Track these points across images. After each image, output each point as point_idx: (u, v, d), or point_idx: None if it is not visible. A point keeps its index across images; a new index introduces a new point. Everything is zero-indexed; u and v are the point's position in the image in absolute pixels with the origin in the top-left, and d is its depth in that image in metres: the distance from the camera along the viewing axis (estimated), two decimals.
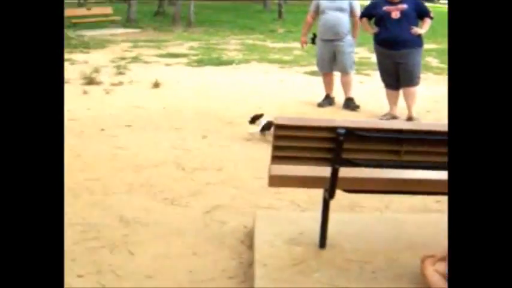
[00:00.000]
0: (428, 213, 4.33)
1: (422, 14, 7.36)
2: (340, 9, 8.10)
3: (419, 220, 3.98)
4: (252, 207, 4.39)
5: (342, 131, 2.94)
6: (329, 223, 3.44)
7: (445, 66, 12.90)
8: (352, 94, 8.43)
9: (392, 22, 7.19)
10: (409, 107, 7.55)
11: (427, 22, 7.42)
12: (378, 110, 8.07)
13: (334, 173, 3.09)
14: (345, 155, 3.05)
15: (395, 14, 7.16)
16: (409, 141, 3.03)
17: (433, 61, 13.58)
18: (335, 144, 2.99)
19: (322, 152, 3.08)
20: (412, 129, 3.01)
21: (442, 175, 3.16)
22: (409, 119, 7.48)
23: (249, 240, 3.80)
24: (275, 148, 3.07)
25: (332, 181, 3.13)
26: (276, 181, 3.30)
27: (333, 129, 2.97)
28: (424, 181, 3.26)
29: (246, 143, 6.35)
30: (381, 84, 7.99)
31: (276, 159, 3.12)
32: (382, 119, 7.51)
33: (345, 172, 3.14)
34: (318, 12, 8.34)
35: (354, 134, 2.97)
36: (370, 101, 8.68)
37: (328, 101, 8.44)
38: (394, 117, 7.58)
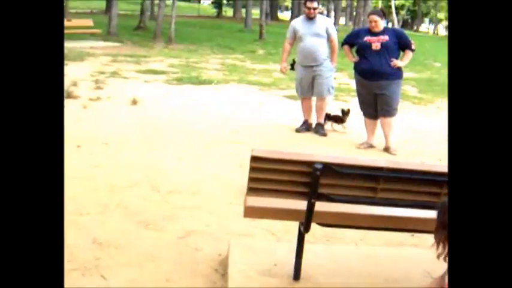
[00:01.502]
0: (404, 247, 4.36)
1: (404, 46, 7.44)
2: (317, 35, 8.16)
3: (394, 254, 4.00)
4: (226, 234, 4.39)
5: (319, 165, 2.96)
6: (304, 254, 3.44)
7: (423, 95, 13.04)
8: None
9: (373, 53, 7.26)
10: (386, 137, 7.61)
11: (408, 55, 7.50)
12: (354, 138, 8.13)
13: (310, 207, 3.10)
14: (321, 190, 3.06)
15: (376, 46, 7.24)
16: (386, 179, 3.05)
17: (411, 90, 13.70)
18: (312, 179, 3.01)
19: (299, 186, 3.09)
20: (390, 167, 3.04)
21: (418, 213, 3.20)
22: (387, 149, 7.53)
23: (222, 268, 3.79)
24: (251, 180, 3.08)
25: (308, 215, 3.14)
26: (251, 212, 3.30)
27: (310, 163, 2.99)
28: (399, 218, 3.29)
29: (222, 166, 6.34)
30: (359, 112, 8.05)
31: (251, 190, 3.12)
32: (359, 148, 7.58)
33: (320, 206, 3.16)
34: (295, 38, 8.40)
35: (331, 169, 2.99)
36: (347, 129, 8.74)
37: (305, 126, 8.48)
38: (371, 146, 7.65)
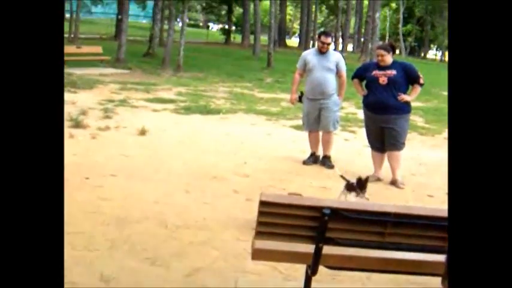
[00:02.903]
0: (410, 286, 4.35)
1: (412, 80, 7.48)
2: (327, 69, 8.22)
3: None
4: (234, 272, 4.40)
5: (327, 211, 2.98)
6: None
7: (431, 126, 13.06)
8: (336, 152, 8.53)
9: (380, 87, 7.31)
10: (393, 170, 7.62)
11: (417, 89, 7.55)
12: (361, 170, 8.12)
13: (318, 251, 3.12)
14: (328, 234, 3.08)
15: (383, 80, 7.28)
16: (393, 224, 3.07)
17: (418, 120, 13.73)
18: (320, 223, 3.03)
19: (307, 230, 3.11)
20: (398, 212, 3.06)
21: (425, 257, 3.21)
22: (394, 182, 7.54)
23: None
24: (259, 224, 3.10)
25: (315, 259, 3.15)
26: (259, 255, 3.32)
27: (318, 208, 3.01)
28: (406, 261, 3.30)
29: (229, 200, 6.36)
30: (365, 143, 8.07)
31: (259, 234, 3.15)
32: None
33: (328, 250, 3.17)
34: (305, 69, 8.46)
35: (339, 214, 3.01)
36: (355, 160, 8.75)
37: (313, 159, 8.50)
38: (378, 179, 7.66)
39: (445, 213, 3.14)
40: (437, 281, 2.54)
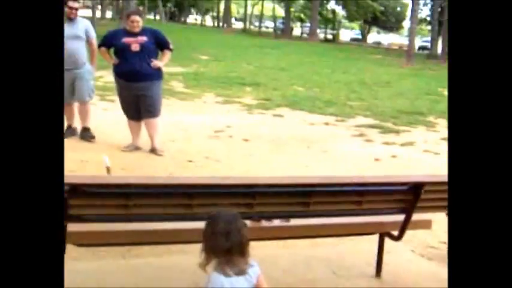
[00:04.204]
0: (171, 255, 4.32)
1: (162, 46, 7.49)
2: (77, 37, 7.87)
3: (162, 264, 3.97)
4: None
5: (67, 187, 2.86)
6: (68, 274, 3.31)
7: (190, 91, 13.27)
8: (95, 122, 8.32)
9: (132, 55, 7.19)
10: (151, 138, 7.60)
11: (167, 54, 7.58)
12: (121, 140, 8.00)
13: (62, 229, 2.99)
14: (72, 211, 2.96)
15: (135, 47, 7.19)
16: (137, 195, 3.03)
17: (178, 85, 13.87)
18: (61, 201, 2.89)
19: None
20: (139, 183, 3.02)
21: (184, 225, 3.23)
22: (153, 150, 7.54)
23: None
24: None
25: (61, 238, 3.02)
26: None
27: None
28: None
29: None
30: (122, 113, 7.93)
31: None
32: (125, 151, 7.49)
33: (74, 227, 3.06)
34: None
35: (79, 190, 2.90)
36: (114, 131, 8.59)
37: (70, 131, 8.18)
38: (137, 148, 7.61)
39: (208, 181, 3.18)
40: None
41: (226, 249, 2.52)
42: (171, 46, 7.55)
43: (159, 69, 7.41)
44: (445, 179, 3.74)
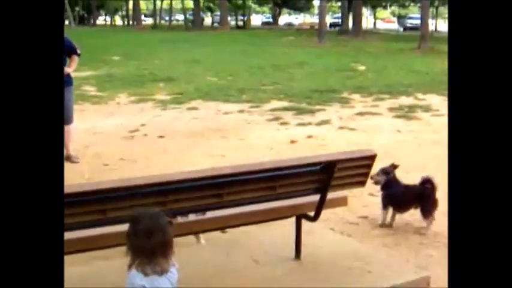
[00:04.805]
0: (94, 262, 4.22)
1: (68, 52, 7.32)
2: None
3: (84, 272, 3.88)
4: None
5: None
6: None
7: (103, 93, 13.07)
8: None
9: None
10: (66, 146, 7.41)
11: (74, 60, 7.44)
12: None
13: None
14: None
15: None
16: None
17: (90, 89, 13.62)
18: None
19: None
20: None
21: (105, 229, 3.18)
22: (68, 157, 7.35)
23: None
24: None
25: None
26: None
27: None
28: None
29: None
30: None
31: None
32: None
33: None
34: None
35: None
36: None
37: None
38: (68, 157, 7.38)
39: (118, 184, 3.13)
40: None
41: (148, 249, 2.51)
42: (78, 51, 7.41)
43: (68, 76, 7.24)
44: (357, 154, 3.88)
